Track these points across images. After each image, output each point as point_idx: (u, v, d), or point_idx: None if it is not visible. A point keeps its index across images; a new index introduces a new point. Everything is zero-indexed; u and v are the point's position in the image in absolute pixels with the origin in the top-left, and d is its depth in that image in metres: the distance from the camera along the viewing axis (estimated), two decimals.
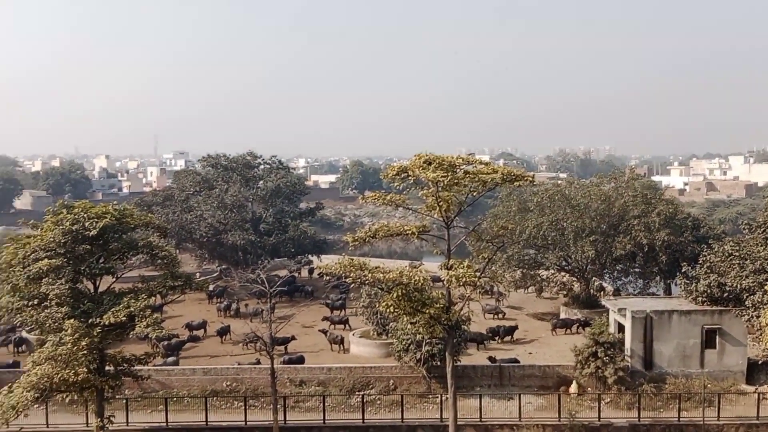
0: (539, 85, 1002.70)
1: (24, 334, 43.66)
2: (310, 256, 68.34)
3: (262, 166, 69.18)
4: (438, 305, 27.70)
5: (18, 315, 28.81)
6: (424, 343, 34.54)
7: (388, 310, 27.80)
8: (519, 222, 47.49)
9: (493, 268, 41.19)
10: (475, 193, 29.39)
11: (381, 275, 26.57)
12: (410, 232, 28.91)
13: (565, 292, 51.87)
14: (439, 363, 34.86)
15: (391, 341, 38.61)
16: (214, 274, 68.08)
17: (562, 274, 52.31)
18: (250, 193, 64.82)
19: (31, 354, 28.78)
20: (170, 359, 39.61)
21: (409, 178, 28.95)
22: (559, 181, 61.03)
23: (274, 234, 63.37)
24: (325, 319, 48.51)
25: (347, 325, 47.58)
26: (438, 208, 28.26)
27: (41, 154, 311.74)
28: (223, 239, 61.68)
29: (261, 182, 66.63)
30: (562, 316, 48.88)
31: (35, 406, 27.03)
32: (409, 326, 32.56)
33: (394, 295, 26.79)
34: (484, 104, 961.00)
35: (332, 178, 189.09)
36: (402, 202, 29.47)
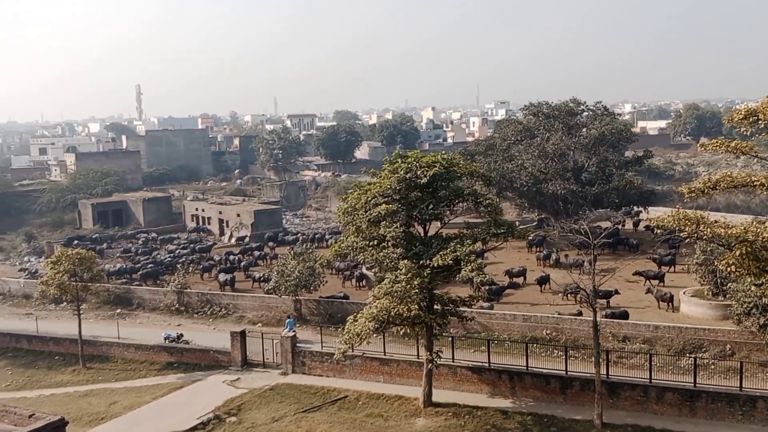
0: None
1: (364, 270, 48.72)
2: (636, 207, 64.89)
3: (585, 113, 66.80)
4: None
5: (360, 253, 32.06)
6: None
7: (728, 270, 25.07)
8: None
9: None
10: None
11: (722, 230, 23.94)
12: (759, 183, 25.48)
13: None
14: None
15: (729, 303, 35.10)
16: (533, 224, 68.36)
17: None
18: (573, 141, 63.15)
19: (371, 289, 31.88)
20: (486, 304, 40.93)
21: (760, 122, 25.42)
22: None
23: (597, 184, 61.19)
24: (637, 273, 45.77)
25: (662, 281, 44.40)
26: None
27: (377, 108, 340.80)
28: (544, 188, 61.34)
29: (584, 130, 64.41)
30: None
31: (374, 335, 29.97)
32: (752, 288, 29.09)
33: (737, 253, 23.96)
34: None
35: (662, 123, 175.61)
36: (750, 150, 26.07)
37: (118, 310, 48.84)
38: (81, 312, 41.48)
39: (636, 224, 65.67)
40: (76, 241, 66.54)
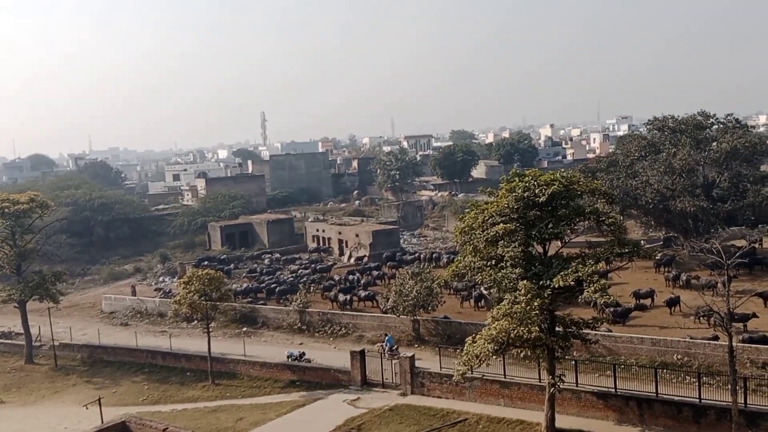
0: None
1: (483, 290, 48.17)
2: None
3: (715, 126, 63.27)
4: None
5: (478, 273, 31.75)
6: None
7: None
8: None
9: None
10: None
11: None
12: None
13: None
14: None
15: None
16: (660, 242, 65.22)
17: None
18: (701, 155, 59.88)
19: (490, 310, 31.44)
20: (604, 329, 38.89)
21: None
22: None
23: (730, 200, 57.62)
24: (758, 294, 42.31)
25: None
26: None
27: (493, 127, 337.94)
28: (671, 205, 58.40)
29: (714, 143, 60.96)
30: None
31: (494, 357, 29.49)
32: None
33: None
34: None
35: None
36: None
37: (244, 329, 50.86)
38: (210, 330, 43.50)
39: None
40: (205, 262, 70.03)
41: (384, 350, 40.86)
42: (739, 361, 31.71)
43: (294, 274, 65.17)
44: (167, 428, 18.13)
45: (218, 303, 44.38)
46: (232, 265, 73.47)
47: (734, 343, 28.27)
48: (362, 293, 53.40)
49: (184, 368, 45.07)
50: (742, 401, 28.67)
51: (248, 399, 39.25)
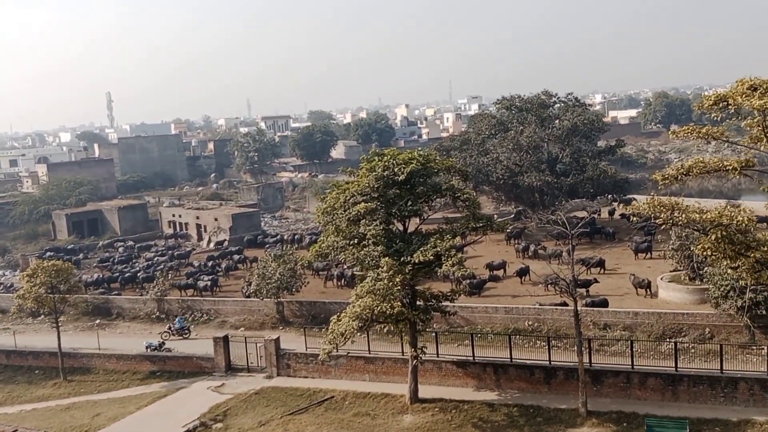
0: None
1: (346, 269, 48.68)
2: (612, 196, 65.66)
3: (557, 105, 67.35)
4: (765, 248, 24.60)
5: (341, 252, 32.03)
6: (748, 290, 31.20)
7: (704, 254, 25.46)
8: None
9: None
10: None
11: (697, 215, 24.29)
12: (731, 167, 25.84)
13: None
14: (765, 312, 31.36)
15: (706, 287, 35.62)
16: (511, 216, 68.76)
17: None
18: (546, 133, 63.60)
19: (354, 288, 31.84)
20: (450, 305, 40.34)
21: (729, 107, 25.78)
22: None
23: (572, 174, 61.77)
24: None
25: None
26: (765, 140, 24.86)
27: (351, 107, 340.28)
28: (519, 181, 61.70)
29: (557, 121, 64.93)
30: None
31: (358, 334, 29.97)
32: (729, 271, 29.59)
33: (713, 237, 24.33)
34: None
35: (632, 112, 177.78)
36: (720, 135, 26.45)
37: (98, 321, 48.32)
38: (60, 324, 40.96)
39: (611, 213, 66.34)
40: (50, 253, 65.66)
41: (172, 330, 43.16)
42: (584, 323, 34.18)
43: (150, 262, 62.62)
44: (16, 430, 16.95)
45: (67, 295, 41.86)
46: (81, 255, 69.41)
47: (579, 308, 30.42)
48: (201, 283, 51.11)
49: (32, 366, 42.21)
50: (588, 361, 30.99)
51: (105, 394, 37.45)
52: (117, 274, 58.28)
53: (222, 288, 52.43)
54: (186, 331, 43.28)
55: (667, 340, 33.63)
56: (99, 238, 79.15)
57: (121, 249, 71.41)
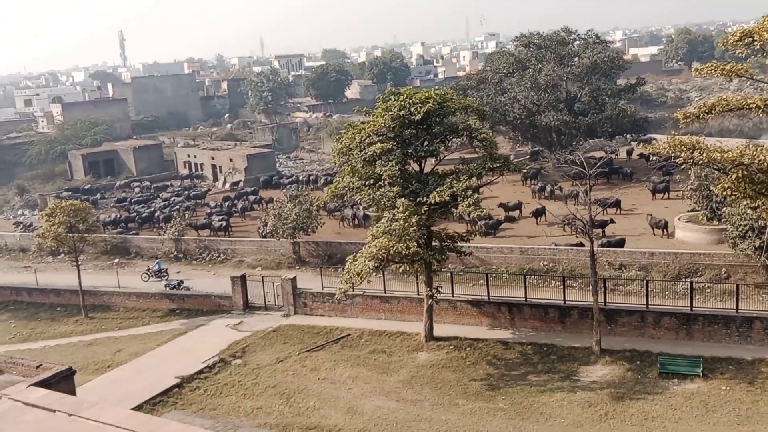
0: None
1: (362, 209, 48.77)
2: (629, 136, 64.83)
3: (577, 42, 65.89)
4: None
5: (357, 193, 31.98)
6: (767, 230, 30.93)
7: (724, 194, 25.14)
8: None
9: None
10: None
11: (717, 155, 23.89)
12: (754, 105, 25.28)
13: None
14: None
15: (724, 227, 35.37)
16: (527, 156, 68.18)
17: None
18: (565, 71, 62.46)
19: (370, 228, 31.90)
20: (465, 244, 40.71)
21: (755, 43, 25.02)
22: None
23: (590, 113, 60.83)
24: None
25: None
26: None
27: (365, 45, 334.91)
28: (537, 121, 60.93)
29: (576, 59, 63.65)
30: None
31: (374, 273, 30.17)
32: (748, 211, 29.29)
33: (733, 176, 23.97)
34: None
35: (653, 50, 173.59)
36: (745, 72, 25.80)
37: (117, 260, 48.99)
38: (79, 263, 41.57)
39: (630, 153, 65.59)
40: (68, 193, 66.18)
41: (150, 272, 44.07)
42: (599, 263, 34.19)
43: (166, 202, 63.00)
44: (41, 365, 17.31)
45: (86, 235, 42.34)
46: (98, 195, 70.01)
47: (595, 248, 30.37)
48: (216, 223, 51.64)
49: (54, 303, 43.06)
50: (602, 300, 31.12)
51: (125, 330, 38.21)
52: (134, 213, 58.82)
53: (237, 228, 52.75)
54: (164, 273, 44.01)
55: (683, 280, 33.62)
56: (115, 178, 79.60)
57: (137, 189, 71.84)
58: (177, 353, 33.78)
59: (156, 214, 56.81)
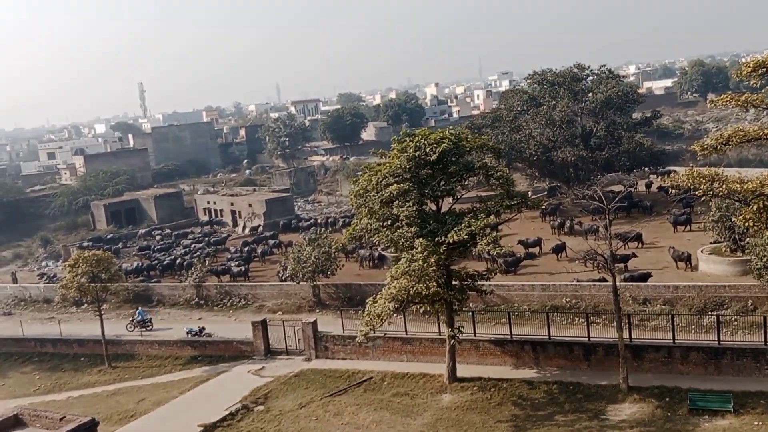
0: None
1: (380, 250, 48.76)
2: (650, 168, 64.60)
3: (590, 78, 66.23)
4: None
5: (375, 234, 32.03)
6: None
7: (745, 225, 24.95)
8: None
9: None
10: None
11: (737, 186, 23.79)
12: None
13: None
14: None
15: (748, 258, 34.88)
16: (545, 193, 68.03)
17: None
18: (579, 107, 62.65)
19: (389, 269, 31.84)
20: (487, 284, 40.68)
21: None
22: None
23: (607, 148, 60.74)
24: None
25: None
26: None
27: (379, 88, 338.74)
28: (553, 156, 60.96)
29: (590, 94, 63.86)
30: None
31: (395, 315, 30.02)
32: None
33: (754, 207, 23.85)
34: None
35: (668, 82, 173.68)
36: (760, 102, 25.76)
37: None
38: (102, 312, 41.83)
39: (648, 186, 65.24)
40: (90, 243, 66.92)
41: (134, 322, 43.97)
42: (623, 299, 33.78)
43: (187, 249, 63.45)
44: (65, 417, 17.36)
45: (109, 284, 42.68)
46: (120, 244, 70.65)
47: (617, 283, 30.03)
48: (234, 269, 52.21)
49: (77, 354, 43.23)
50: (628, 336, 30.65)
51: (149, 379, 38.22)
52: (156, 261, 59.28)
53: (257, 272, 52.92)
54: (149, 323, 44.19)
55: (709, 313, 33.07)
56: (137, 226, 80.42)
57: (158, 237, 72.50)
58: (200, 401, 33.67)
59: (177, 261, 57.23)
